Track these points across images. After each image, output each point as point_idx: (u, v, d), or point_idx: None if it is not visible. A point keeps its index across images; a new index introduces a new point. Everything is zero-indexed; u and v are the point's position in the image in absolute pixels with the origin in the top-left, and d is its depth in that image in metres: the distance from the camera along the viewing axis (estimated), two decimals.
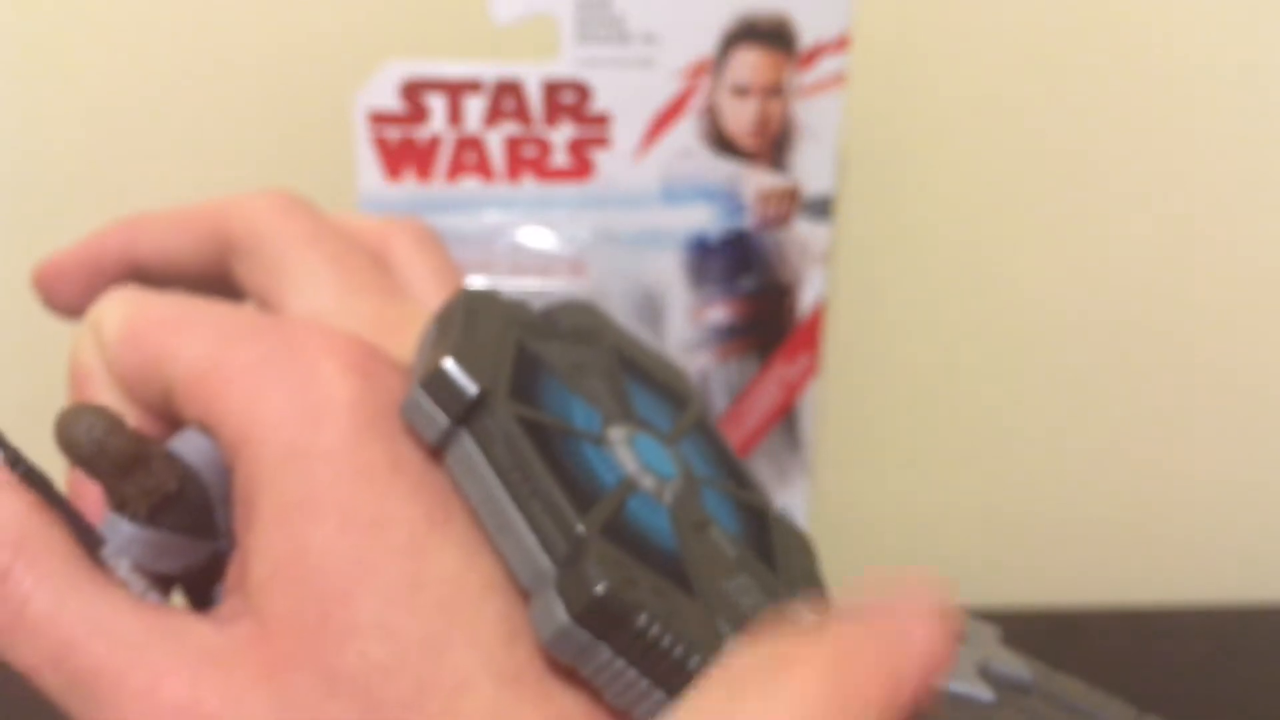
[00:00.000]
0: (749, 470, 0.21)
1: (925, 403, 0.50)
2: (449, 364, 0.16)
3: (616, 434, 0.18)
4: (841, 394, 0.48)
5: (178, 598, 0.19)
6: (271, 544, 0.16)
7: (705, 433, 0.21)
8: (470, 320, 0.18)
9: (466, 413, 0.16)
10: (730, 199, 0.38)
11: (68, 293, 0.22)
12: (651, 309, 0.39)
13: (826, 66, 0.37)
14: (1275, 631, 0.51)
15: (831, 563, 0.21)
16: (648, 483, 0.18)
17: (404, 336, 0.19)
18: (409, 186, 0.36)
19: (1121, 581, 0.53)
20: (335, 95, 0.37)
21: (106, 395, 0.19)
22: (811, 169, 0.39)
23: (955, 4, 0.44)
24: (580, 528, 0.16)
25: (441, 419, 0.16)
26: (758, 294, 0.40)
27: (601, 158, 0.37)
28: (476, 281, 0.22)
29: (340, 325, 0.18)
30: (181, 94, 0.42)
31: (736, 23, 0.36)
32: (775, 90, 0.37)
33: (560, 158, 0.37)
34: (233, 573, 0.17)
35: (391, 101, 0.35)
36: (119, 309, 0.19)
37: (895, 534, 0.51)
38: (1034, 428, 0.51)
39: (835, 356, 0.47)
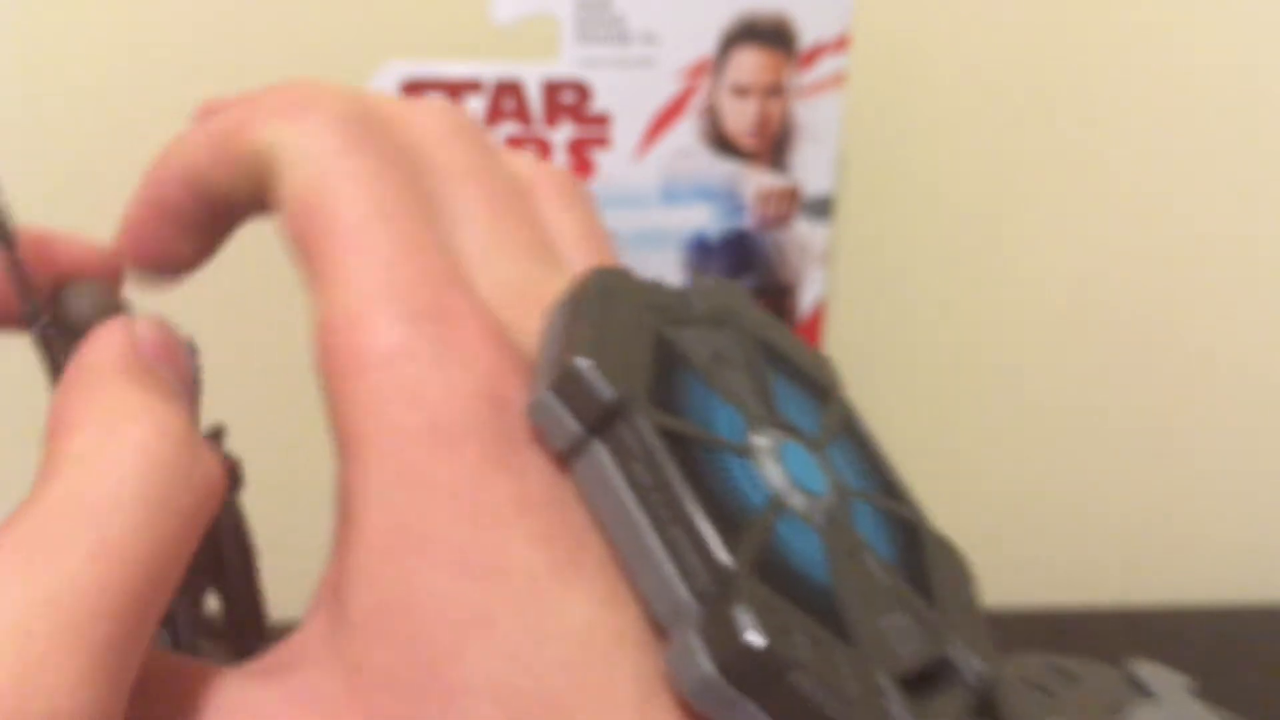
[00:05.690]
0: (898, 475, 0.19)
1: (925, 403, 0.50)
2: (584, 364, 0.15)
3: (762, 442, 0.16)
4: None
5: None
6: (375, 576, 0.14)
7: (852, 432, 0.19)
8: (605, 306, 0.16)
9: (602, 420, 0.15)
10: (730, 199, 0.38)
11: (159, 247, 0.19)
12: None
13: (826, 66, 0.37)
14: (1275, 631, 0.51)
15: None
16: (797, 502, 0.16)
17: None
18: None
19: (1121, 581, 0.53)
20: None
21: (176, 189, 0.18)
22: (811, 169, 0.39)
23: (955, 4, 0.44)
24: (728, 561, 0.14)
25: (573, 426, 0.15)
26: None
27: (601, 158, 0.37)
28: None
29: (485, 283, 0.16)
30: (182, 94, 0.42)
31: (736, 23, 0.36)
32: (775, 90, 0.37)
33: (560, 158, 0.37)
34: (326, 581, 0.15)
35: None
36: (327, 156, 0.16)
37: None
38: (1034, 428, 0.51)
39: (835, 356, 0.47)
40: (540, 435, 0.15)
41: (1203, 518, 0.53)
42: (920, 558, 0.17)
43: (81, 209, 0.43)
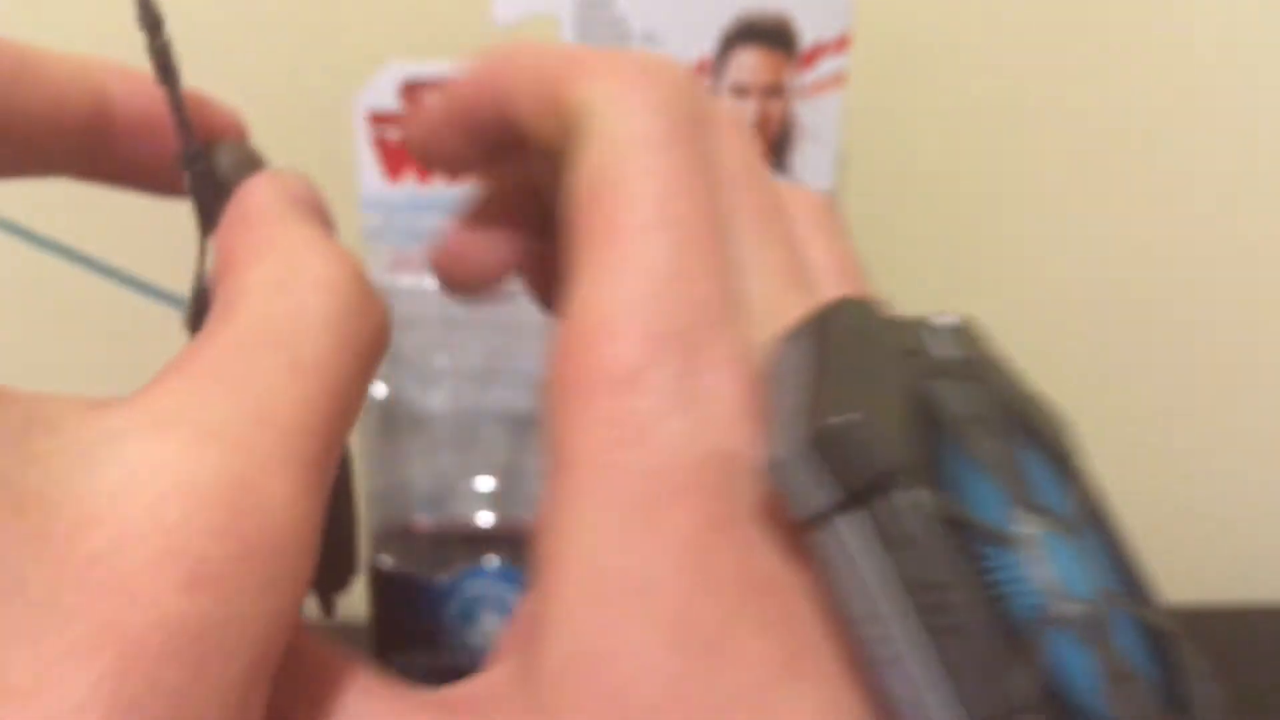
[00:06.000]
0: (1146, 570, 0.16)
1: None
2: (851, 421, 0.12)
3: (1025, 530, 0.14)
4: None
5: None
6: (576, 621, 0.13)
7: (1098, 516, 0.16)
8: (860, 351, 0.14)
9: (864, 492, 0.12)
10: None
11: (447, 150, 0.19)
12: None
13: (826, 66, 0.37)
14: (1275, 631, 0.51)
15: None
16: (1067, 610, 0.13)
17: None
18: (409, 187, 0.36)
19: None
20: (335, 95, 0.37)
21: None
22: (811, 169, 0.39)
23: (955, 4, 0.44)
24: (1015, 692, 0.12)
25: (829, 496, 0.12)
26: None
27: None
28: None
29: (741, 295, 0.15)
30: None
31: (736, 23, 0.36)
32: (775, 90, 0.37)
33: None
34: (522, 614, 0.14)
35: (391, 101, 0.35)
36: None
37: None
38: None
39: None
40: (778, 499, 0.13)
41: (1204, 518, 0.53)
42: (1183, 682, 0.15)
43: (77, 204, 0.43)
